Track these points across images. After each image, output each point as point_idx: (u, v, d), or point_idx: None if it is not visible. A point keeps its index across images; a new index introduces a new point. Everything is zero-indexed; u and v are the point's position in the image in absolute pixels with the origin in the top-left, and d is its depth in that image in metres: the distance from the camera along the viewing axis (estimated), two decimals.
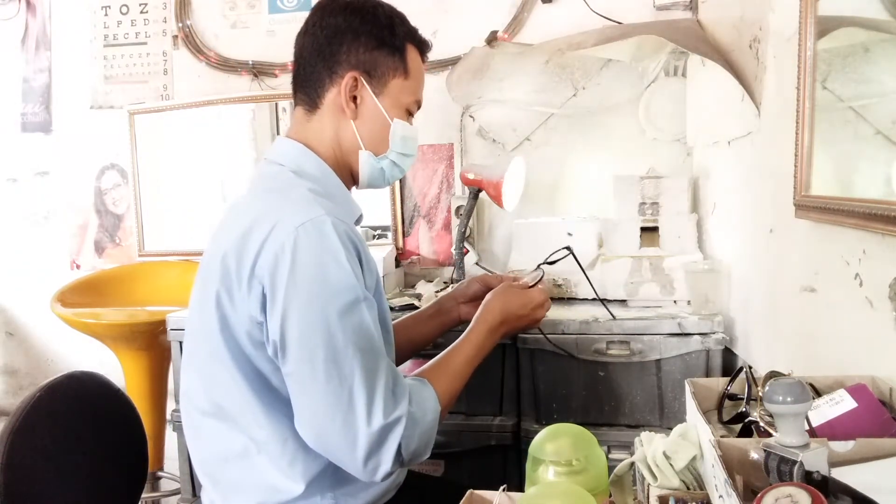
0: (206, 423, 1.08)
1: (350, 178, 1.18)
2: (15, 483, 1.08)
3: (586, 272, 1.58)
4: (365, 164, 1.16)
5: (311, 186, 1.07)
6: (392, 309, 1.73)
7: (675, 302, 1.75)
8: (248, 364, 1.03)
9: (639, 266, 1.78)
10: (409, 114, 1.19)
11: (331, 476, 1.06)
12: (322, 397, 0.97)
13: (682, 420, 1.05)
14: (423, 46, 1.18)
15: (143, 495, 2.26)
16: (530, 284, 1.30)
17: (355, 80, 1.11)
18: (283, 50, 2.41)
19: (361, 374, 0.97)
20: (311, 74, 1.14)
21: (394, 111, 1.15)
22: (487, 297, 1.26)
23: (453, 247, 2.09)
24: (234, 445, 1.05)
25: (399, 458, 1.00)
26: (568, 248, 1.46)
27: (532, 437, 1.13)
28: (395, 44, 1.13)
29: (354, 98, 1.12)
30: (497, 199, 1.96)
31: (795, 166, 1.13)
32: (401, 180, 2.29)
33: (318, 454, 1.03)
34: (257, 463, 1.04)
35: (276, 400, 1.04)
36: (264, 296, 0.98)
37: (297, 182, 1.08)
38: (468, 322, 1.25)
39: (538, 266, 1.38)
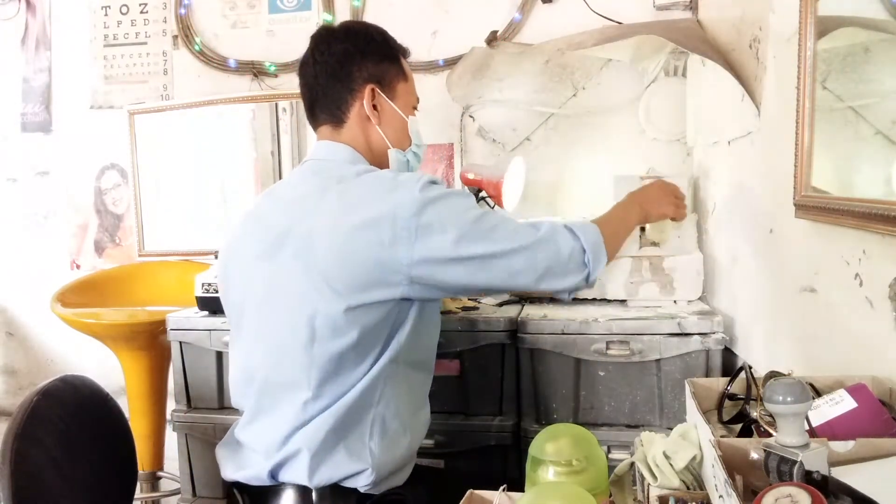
0: (281, 395, 1.19)
1: None
2: (23, 487, 1.09)
3: None
4: (394, 160, 1.32)
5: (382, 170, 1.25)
6: None
7: (675, 302, 1.76)
8: (338, 331, 1.13)
9: (639, 266, 1.78)
10: (414, 109, 1.36)
11: (378, 435, 1.19)
12: (508, 260, 1.16)
13: (682, 420, 1.05)
14: (406, 53, 1.36)
15: (143, 495, 2.28)
16: None
17: (373, 91, 1.28)
18: (283, 50, 2.41)
19: (516, 229, 1.18)
20: (330, 97, 1.28)
21: (406, 110, 1.32)
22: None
23: None
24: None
25: (580, 246, 1.21)
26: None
27: (532, 437, 1.13)
28: (392, 54, 1.31)
29: (375, 106, 1.28)
30: (497, 199, 1.96)
31: (795, 166, 1.13)
32: None
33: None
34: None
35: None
36: (413, 245, 1.11)
37: (372, 168, 1.25)
38: None
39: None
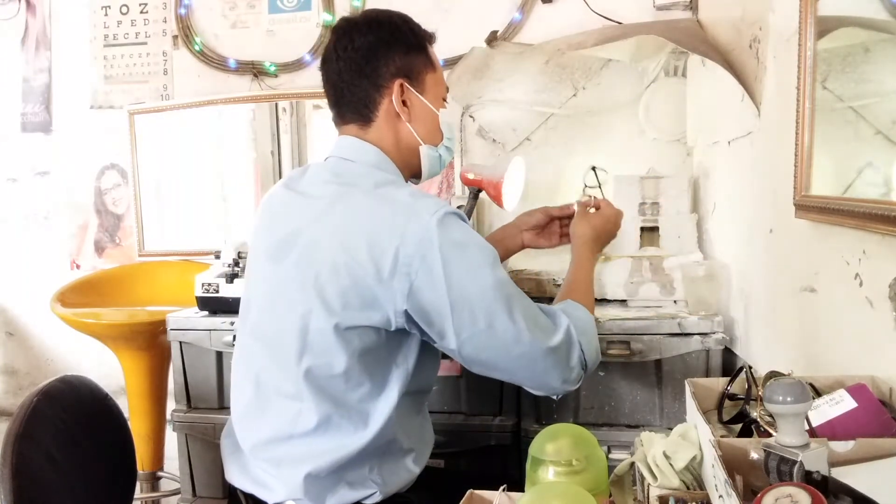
0: (281, 403, 1.15)
1: (409, 175, 1.27)
2: (23, 488, 1.09)
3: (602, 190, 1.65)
4: (426, 156, 1.25)
5: (403, 184, 1.19)
6: None
7: (675, 302, 1.75)
8: (336, 348, 1.09)
9: (639, 266, 1.78)
10: (444, 101, 1.29)
11: (380, 455, 1.16)
12: (509, 344, 1.08)
13: (682, 420, 1.05)
14: (432, 39, 1.27)
15: (143, 495, 2.28)
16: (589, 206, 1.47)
17: (402, 86, 1.19)
18: (283, 50, 2.41)
19: (528, 312, 1.10)
20: (357, 94, 1.20)
21: (436, 103, 1.25)
22: (572, 226, 1.41)
23: None
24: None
25: (583, 361, 1.15)
26: (593, 167, 1.64)
27: (532, 437, 1.13)
28: (418, 43, 1.22)
29: (404, 102, 1.20)
30: (497, 200, 1.95)
31: (795, 166, 1.13)
32: None
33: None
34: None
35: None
36: (411, 284, 1.05)
37: (394, 179, 1.19)
38: (528, 247, 1.52)
39: (584, 192, 1.55)
